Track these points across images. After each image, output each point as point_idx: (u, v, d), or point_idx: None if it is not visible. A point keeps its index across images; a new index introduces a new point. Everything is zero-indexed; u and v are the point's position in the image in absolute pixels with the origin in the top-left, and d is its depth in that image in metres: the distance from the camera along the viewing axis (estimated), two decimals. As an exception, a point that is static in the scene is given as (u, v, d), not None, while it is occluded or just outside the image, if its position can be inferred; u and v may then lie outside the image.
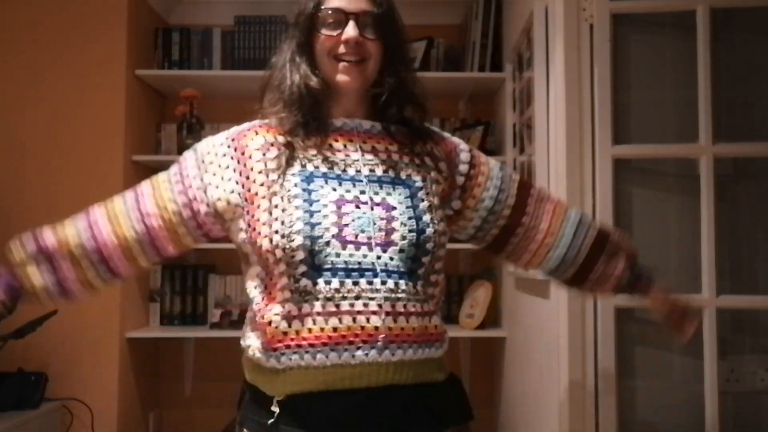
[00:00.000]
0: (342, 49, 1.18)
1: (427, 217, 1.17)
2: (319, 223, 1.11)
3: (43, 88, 2.63)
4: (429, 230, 1.16)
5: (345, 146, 1.20)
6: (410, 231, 1.14)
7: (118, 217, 1.27)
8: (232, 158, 1.20)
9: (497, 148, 2.78)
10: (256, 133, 1.22)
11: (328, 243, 1.10)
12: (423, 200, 1.19)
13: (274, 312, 1.12)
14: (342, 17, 1.18)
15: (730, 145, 1.68)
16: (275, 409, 1.13)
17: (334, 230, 1.11)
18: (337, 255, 1.10)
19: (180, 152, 2.82)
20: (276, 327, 1.12)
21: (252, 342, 1.22)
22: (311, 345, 1.09)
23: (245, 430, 1.23)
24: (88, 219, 1.31)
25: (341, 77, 1.19)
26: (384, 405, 1.12)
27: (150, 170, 2.90)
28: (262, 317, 1.15)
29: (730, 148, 1.69)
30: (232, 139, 1.22)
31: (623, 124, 1.73)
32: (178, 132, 2.86)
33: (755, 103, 1.74)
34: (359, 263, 1.10)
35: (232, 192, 1.18)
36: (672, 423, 1.71)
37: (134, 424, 2.73)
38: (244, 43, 2.91)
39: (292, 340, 1.10)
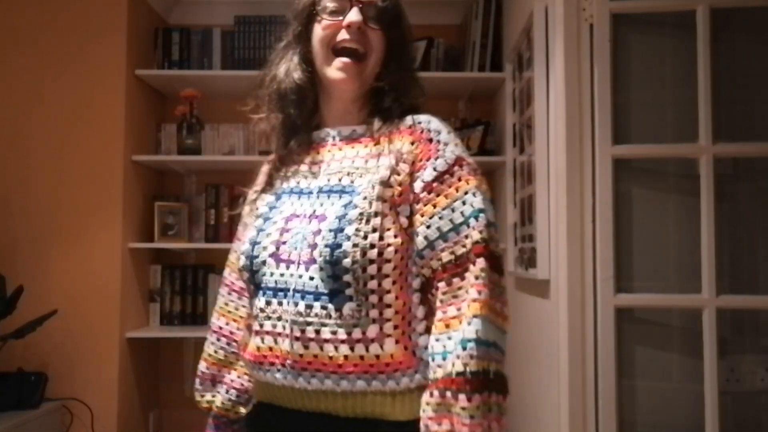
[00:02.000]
0: (343, 34, 1.09)
1: (350, 228, 0.99)
2: (260, 243, 1.07)
3: (44, 88, 2.63)
4: (346, 244, 0.98)
5: (321, 157, 1.12)
6: (326, 246, 1.00)
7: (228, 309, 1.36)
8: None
9: (497, 148, 2.78)
10: (267, 164, 1.27)
11: (264, 262, 1.06)
12: (356, 207, 1.01)
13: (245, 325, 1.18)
14: (345, 4, 1.09)
15: (730, 145, 1.68)
16: (251, 410, 1.20)
17: (272, 249, 1.06)
18: (271, 274, 1.05)
19: (180, 152, 2.84)
20: (243, 336, 1.17)
21: None
22: (249, 360, 1.09)
23: None
24: (222, 331, 1.39)
25: (336, 74, 1.09)
26: (317, 430, 1.03)
27: (150, 170, 2.91)
28: None
29: (730, 148, 1.69)
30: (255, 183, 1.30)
31: (623, 124, 1.73)
32: (178, 132, 2.86)
33: (755, 103, 1.74)
34: (285, 282, 1.03)
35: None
36: (672, 423, 1.71)
37: (134, 424, 2.73)
38: (244, 43, 2.91)
39: (245, 352, 1.13)
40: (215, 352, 1.31)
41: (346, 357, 0.98)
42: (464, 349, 0.91)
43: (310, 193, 1.09)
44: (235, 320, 1.29)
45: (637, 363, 1.72)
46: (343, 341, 0.98)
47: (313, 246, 1.02)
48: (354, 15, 1.08)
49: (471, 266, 0.96)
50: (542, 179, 1.94)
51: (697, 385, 1.64)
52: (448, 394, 0.92)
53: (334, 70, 1.09)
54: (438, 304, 0.99)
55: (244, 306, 1.26)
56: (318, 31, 1.11)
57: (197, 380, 1.32)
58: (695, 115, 1.68)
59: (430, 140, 1.06)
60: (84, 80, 2.64)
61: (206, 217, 2.89)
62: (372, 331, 0.99)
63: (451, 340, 0.94)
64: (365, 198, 1.02)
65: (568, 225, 1.73)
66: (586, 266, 1.71)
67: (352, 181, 1.06)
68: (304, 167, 1.14)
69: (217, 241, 2.87)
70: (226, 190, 2.91)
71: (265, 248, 1.07)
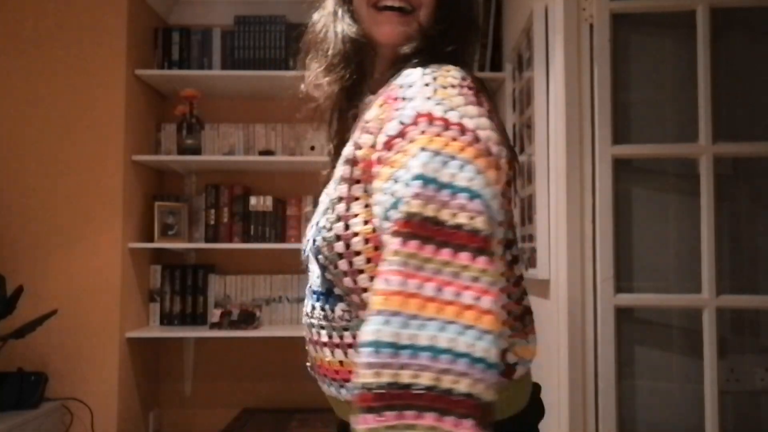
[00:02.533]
0: None
1: (322, 220, 0.87)
2: (306, 240, 0.97)
3: (43, 88, 2.63)
4: (318, 239, 0.87)
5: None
6: (309, 240, 0.91)
7: None
8: None
9: (497, 148, 2.77)
10: None
11: (306, 257, 0.97)
12: (327, 195, 0.90)
13: None
14: None
15: (729, 144, 1.68)
16: None
17: (306, 244, 0.96)
18: (309, 272, 0.98)
19: (180, 152, 2.84)
20: None
21: None
22: None
23: None
24: None
25: (382, 29, 0.95)
26: None
27: (150, 170, 2.91)
28: None
29: (729, 148, 1.69)
30: None
31: (623, 124, 1.73)
32: (177, 132, 2.86)
33: (755, 103, 1.74)
34: (309, 281, 0.97)
35: None
36: (672, 423, 1.71)
37: (134, 424, 2.73)
38: (243, 43, 2.91)
39: None
40: None
41: (341, 363, 0.89)
42: (366, 349, 0.68)
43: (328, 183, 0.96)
44: None
45: (637, 363, 1.72)
46: (336, 345, 0.89)
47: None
48: None
49: (391, 244, 0.71)
50: (542, 179, 1.94)
51: (697, 385, 1.64)
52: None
53: (380, 25, 0.96)
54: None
55: None
56: None
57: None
58: (695, 115, 1.68)
59: (395, 97, 0.85)
60: (84, 80, 2.64)
61: (206, 217, 2.90)
62: (349, 336, 0.88)
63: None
64: (335, 181, 0.88)
65: (568, 225, 1.73)
66: (586, 266, 1.71)
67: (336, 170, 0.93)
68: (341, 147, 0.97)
69: (217, 241, 2.87)
70: (226, 190, 2.91)
71: (307, 242, 0.94)
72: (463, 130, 0.76)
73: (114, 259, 2.61)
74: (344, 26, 0.99)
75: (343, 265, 0.84)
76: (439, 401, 0.63)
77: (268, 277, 2.92)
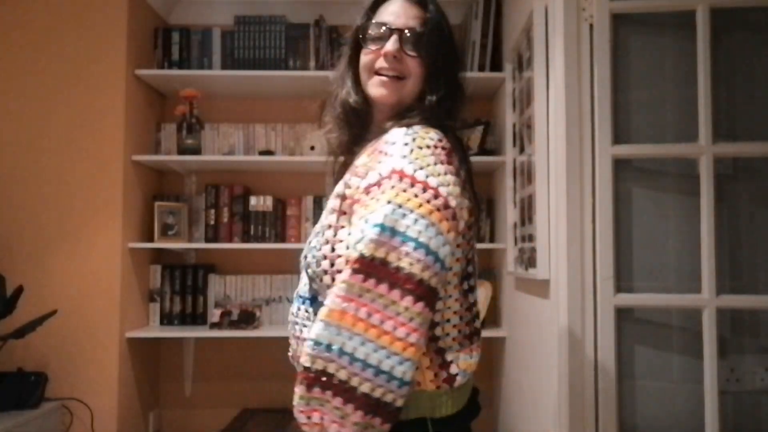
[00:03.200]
0: (381, 62, 1.18)
1: (315, 241, 1.10)
2: (302, 256, 1.18)
3: (43, 88, 2.63)
4: (309, 256, 1.10)
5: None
6: (303, 257, 1.14)
7: None
8: None
9: (497, 148, 2.78)
10: None
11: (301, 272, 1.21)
12: (321, 221, 1.12)
13: None
14: (386, 33, 1.18)
15: (729, 145, 1.68)
16: None
17: (303, 262, 1.17)
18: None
19: (180, 152, 2.84)
20: None
21: None
22: None
23: None
24: None
25: (376, 90, 1.18)
26: None
27: (150, 170, 2.91)
28: None
29: (729, 148, 1.69)
30: None
31: (623, 124, 1.73)
32: (177, 132, 2.86)
33: (755, 103, 1.74)
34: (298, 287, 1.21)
35: None
36: (672, 423, 1.71)
37: (134, 424, 2.73)
38: (243, 43, 2.91)
39: None
40: None
41: None
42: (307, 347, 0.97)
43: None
44: None
45: (637, 363, 1.72)
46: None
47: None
48: (390, 45, 1.17)
49: (342, 274, 0.97)
50: (542, 179, 1.94)
51: (697, 385, 1.64)
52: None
53: (374, 87, 1.19)
54: None
55: None
56: (362, 57, 1.22)
57: None
58: (695, 115, 1.68)
59: (380, 151, 1.08)
60: (84, 80, 2.64)
61: (206, 217, 2.90)
62: None
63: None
64: (329, 211, 1.11)
65: (568, 225, 1.73)
66: (586, 266, 1.71)
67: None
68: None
69: (217, 241, 2.87)
70: (226, 190, 2.91)
71: (301, 261, 1.18)
72: (425, 188, 0.99)
73: (114, 259, 2.61)
74: (345, 94, 1.22)
75: (327, 279, 1.04)
76: (367, 401, 0.92)
77: (268, 277, 2.92)
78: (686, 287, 1.68)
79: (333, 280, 1.02)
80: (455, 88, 1.22)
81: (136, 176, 2.77)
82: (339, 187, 1.11)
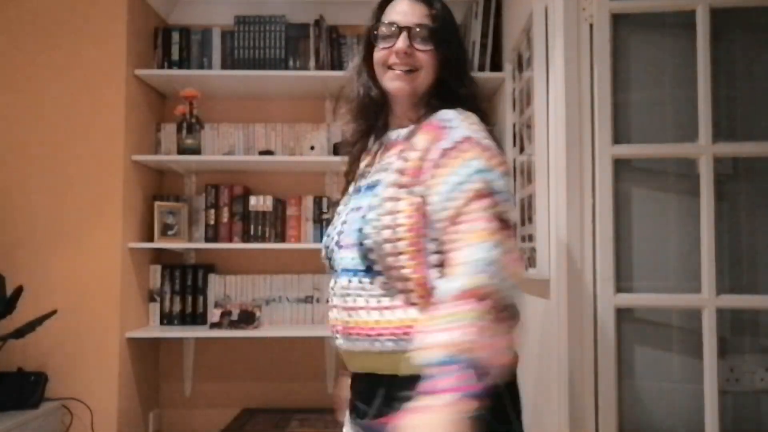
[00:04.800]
0: (393, 59, 1.27)
1: (372, 213, 1.20)
2: (330, 235, 1.32)
3: (43, 88, 2.63)
4: (367, 227, 1.19)
5: (378, 160, 1.32)
6: (355, 230, 1.22)
7: None
8: None
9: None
10: None
11: (332, 249, 1.29)
12: (377, 195, 1.22)
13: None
14: (396, 30, 1.27)
15: (729, 144, 1.68)
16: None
17: (336, 237, 1.28)
18: (338, 258, 1.27)
19: (180, 152, 2.84)
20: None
21: None
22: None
23: None
24: None
25: (391, 84, 1.28)
26: (368, 390, 1.24)
27: (150, 170, 2.91)
28: None
29: (729, 148, 1.69)
30: None
31: (623, 124, 1.73)
32: (177, 132, 2.86)
33: (755, 103, 1.74)
34: (342, 263, 1.25)
35: None
36: (672, 423, 1.71)
37: (134, 424, 2.73)
38: (243, 43, 2.91)
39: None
40: None
41: (376, 321, 1.18)
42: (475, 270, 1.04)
43: (362, 189, 1.30)
44: None
45: (637, 363, 1.72)
46: (373, 308, 1.18)
47: (351, 232, 1.24)
48: (400, 42, 1.27)
49: (472, 205, 1.09)
50: (542, 179, 1.94)
51: (697, 385, 1.64)
52: None
53: (389, 81, 1.29)
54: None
55: None
56: (375, 55, 1.31)
57: None
58: (695, 115, 1.67)
59: (441, 127, 1.21)
60: (84, 80, 2.64)
61: (206, 217, 2.90)
62: (400, 299, 1.17)
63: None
64: (385, 184, 1.21)
65: (568, 225, 1.73)
66: (586, 266, 1.71)
67: (382, 176, 1.25)
68: (368, 168, 1.34)
69: (217, 241, 2.87)
70: (225, 190, 2.91)
71: (331, 238, 1.31)
72: (492, 151, 1.17)
73: (114, 259, 2.61)
74: (365, 88, 1.33)
75: (388, 248, 1.16)
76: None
77: (268, 277, 2.92)
78: (686, 287, 1.68)
79: (395, 247, 1.15)
80: (466, 75, 1.34)
81: (136, 176, 2.77)
82: (397, 164, 1.21)
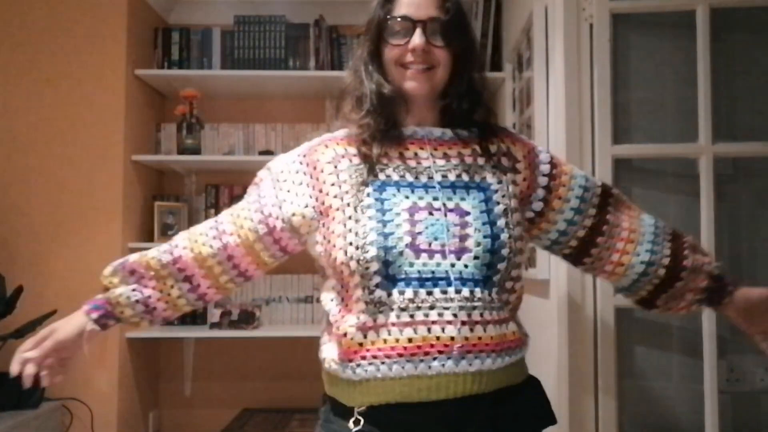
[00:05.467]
0: (409, 57, 1.17)
1: (501, 222, 1.14)
2: (393, 233, 1.10)
3: (43, 88, 2.63)
4: (503, 235, 1.13)
5: (416, 154, 1.19)
6: (485, 237, 1.11)
7: (196, 237, 1.28)
8: (305, 174, 1.22)
9: (497, 148, 2.78)
10: (326, 147, 1.24)
11: (401, 253, 1.09)
12: (498, 203, 1.16)
13: (349, 323, 1.12)
14: (409, 25, 1.17)
15: (730, 144, 1.68)
16: (356, 420, 1.12)
17: (408, 239, 1.09)
18: (411, 264, 1.09)
19: (180, 152, 2.84)
20: (351, 338, 1.11)
21: (328, 354, 1.18)
22: (387, 356, 1.07)
23: None
24: (169, 242, 1.30)
25: (409, 84, 1.18)
26: (464, 416, 1.10)
27: (150, 170, 2.91)
28: (338, 329, 1.14)
29: (730, 148, 1.69)
30: (304, 155, 1.24)
31: (623, 124, 1.73)
32: (177, 132, 2.86)
33: (755, 103, 1.74)
34: (433, 272, 1.08)
35: (306, 206, 1.20)
36: (672, 423, 1.71)
37: (134, 424, 2.73)
38: (243, 42, 2.91)
39: (367, 351, 1.09)
40: (160, 257, 1.27)
41: (497, 337, 1.11)
42: (656, 219, 1.31)
43: (430, 187, 1.15)
44: (194, 251, 1.27)
45: (637, 363, 1.72)
46: (495, 322, 1.11)
47: (462, 237, 1.11)
48: (417, 38, 1.16)
49: (611, 200, 1.30)
50: (542, 179, 1.93)
51: (697, 385, 1.64)
52: (684, 239, 1.29)
53: (406, 80, 1.19)
54: (612, 239, 1.26)
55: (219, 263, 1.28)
56: (387, 53, 1.20)
57: (118, 262, 1.30)
58: (695, 114, 1.67)
59: (521, 141, 1.28)
60: (84, 80, 2.64)
61: (206, 217, 2.87)
62: (505, 312, 1.15)
63: (645, 229, 1.28)
64: (504, 195, 1.17)
65: (568, 225, 1.73)
66: (586, 266, 1.71)
67: (472, 178, 1.18)
68: (399, 162, 1.19)
69: (217, 241, 2.86)
70: (225, 190, 2.91)
71: (400, 239, 1.10)
72: None
73: (114, 259, 2.58)
74: (377, 85, 1.20)
75: (519, 258, 1.15)
76: None
77: (268, 277, 2.91)
78: (686, 287, 1.68)
79: (519, 259, 1.16)
80: (480, 69, 1.29)
81: (136, 176, 2.77)
82: (508, 174, 1.22)
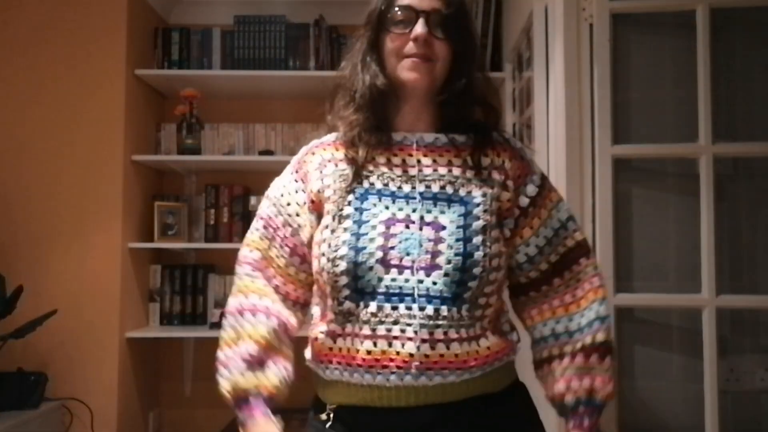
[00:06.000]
0: (410, 47, 1.14)
1: (477, 239, 1.10)
2: (364, 248, 1.09)
3: (43, 88, 2.63)
4: (477, 254, 1.09)
5: (404, 161, 1.16)
6: (456, 254, 1.08)
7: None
8: (303, 191, 1.20)
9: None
10: (313, 154, 1.22)
11: (371, 268, 1.08)
12: (478, 218, 1.11)
13: (320, 329, 1.14)
14: (412, 15, 1.14)
15: (729, 145, 1.68)
16: (327, 415, 1.15)
17: (379, 254, 1.08)
18: (379, 279, 1.08)
19: (180, 152, 2.84)
20: (322, 343, 1.13)
21: (307, 353, 1.21)
22: (349, 364, 1.09)
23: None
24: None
25: (408, 74, 1.14)
26: (434, 422, 1.09)
27: (150, 170, 2.91)
28: (312, 332, 1.17)
29: (729, 148, 1.69)
30: (296, 171, 1.23)
31: (623, 124, 1.73)
32: (177, 132, 2.86)
33: (755, 103, 1.74)
34: (400, 288, 1.07)
35: (312, 222, 1.18)
36: (672, 423, 1.71)
37: (134, 424, 2.73)
38: (243, 42, 2.91)
39: (335, 356, 1.11)
40: (268, 333, 1.17)
41: (467, 353, 1.08)
42: (602, 323, 1.16)
43: (411, 198, 1.13)
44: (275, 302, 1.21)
45: (637, 363, 1.72)
46: (462, 339, 1.08)
47: (435, 253, 1.08)
48: (420, 27, 1.13)
49: (583, 261, 1.20)
50: (542, 179, 1.93)
51: (697, 385, 1.64)
52: (593, 358, 1.15)
53: (405, 70, 1.15)
54: (552, 294, 1.19)
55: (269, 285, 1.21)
56: (387, 42, 1.16)
57: (240, 363, 1.16)
58: (695, 115, 1.68)
59: (521, 158, 1.21)
60: (84, 80, 2.63)
61: (206, 217, 2.89)
62: (477, 328, 1.10)
63: (581, 318, 1.17)
64: (485, 211, 1.12)
65: (568, 225, 1.73)
66: (586, 266, 1.71)
67: (457, 191, 1.13)
68: (385, 169, 1.16)
69: (217, 241, 2.87)
70: (225, 190, 2.91)
71: (371, 254, 1.09)
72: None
73: (114, 259, 2.60)
74: (371, 76, 1.16)
75: (492, 276, 1.11)
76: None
77: (268, 277, 2.91)
78: (686, 287, 1.68)
79: (495, 277, 1.12)
80: (480, 69, 1.24)
81: (136, 176, 2.77)
82: (495, 188, 1.15)
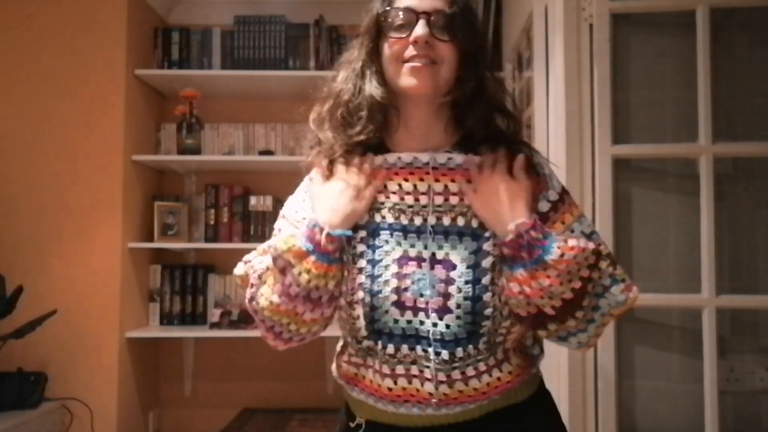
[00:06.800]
0: (410, 51, 1.05)
1: (487, 278, 1.05)
2: (380, 291, 1.06)
3: (43, 88, 2.63)
4: (486, 295, 1.04)
5: (415, 187, 1.09)
6: (465, 299, 1.04)
7: None
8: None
9: (497, 148, 2.78)
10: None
11: (387, 311, 1.06)
12: (488, 254, 1.06)
13: (344, 359, 1.16)
14: (412, 17, 1.06)
15: (729, 145, 1.68)
16: (357, 425, 1.16)
17: (393, 297, 1.05)
18: (395, 321, 1.05)
19: (180, 152, 2.84)
20: (347, 370, 1.15)
21: (334, 369, 1.22)
22: (371, 394, 1.11)
23: None
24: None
25: (408, 80, 1.06)
26: None
27: (150, 170, 2.91)
28: (338, 357, 1.19)
29: (729, 148, 1.69)
30: (306, 191, 1.17)
31: (623, 124, 1.73)
32: (177, 132, 2.86)
33: (755, 103, 1.74)
34: (416, 330, 1.05)
35: None
36: (672, 423, 1.71)
37: (134, 424, 2.73)
38: (243, 42, 2.91)
39: (359, 382, 1.13)
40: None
41: (488, 384, 1.07)
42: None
43: (421, 232, 1.07)
44: None
45: (637, 363, 1.72)
46: (481, 373, 1.06)
47: (446, 295, 1.05)
48: (420, 29, 1.05)
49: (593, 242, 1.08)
50: (542, 179, 1.93)
51: (697, 385, 1.64)
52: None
53: (406, 77, 1.06)
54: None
55: None
56: (386, 48, 1.08)
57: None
58: (695, 115, 1.67)
59: (538, 173, 1.11)
60: (84, 80, 2.64)
61: (206, 217, 2.90)
62: (498, 355, 1.08)
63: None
64: (495, 245, 1.06)
65: (568, 225, 1.73)
66: (586, 266, 1.71)
67: (468, 222, 1.07)
68: (396, 199, 1.09)
69: (217, 241, 2.87)
70: (225, 189, 2.91)
71: (386, 297, 1.06)
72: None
73: (114, 259, 2.61)
74: (372, 88, 1.09)
75: (506, 311, 1.06)
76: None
77: (268, 277, 2.91)
78: (686, 287, 1.68)
79: (507, 310, 1.06)
80: (490, 73, 1.13)
81: (136, 176, 2.77)
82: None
